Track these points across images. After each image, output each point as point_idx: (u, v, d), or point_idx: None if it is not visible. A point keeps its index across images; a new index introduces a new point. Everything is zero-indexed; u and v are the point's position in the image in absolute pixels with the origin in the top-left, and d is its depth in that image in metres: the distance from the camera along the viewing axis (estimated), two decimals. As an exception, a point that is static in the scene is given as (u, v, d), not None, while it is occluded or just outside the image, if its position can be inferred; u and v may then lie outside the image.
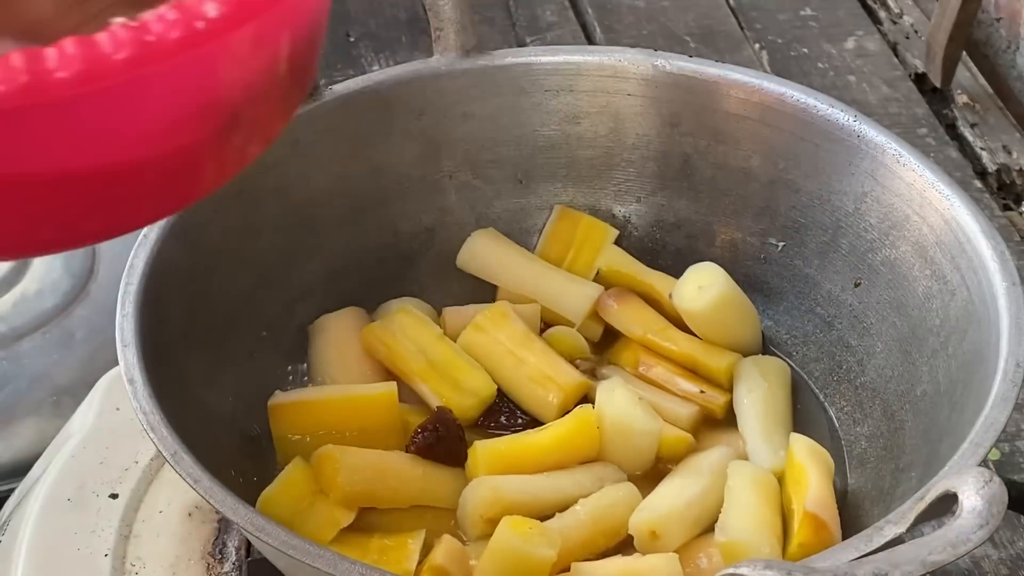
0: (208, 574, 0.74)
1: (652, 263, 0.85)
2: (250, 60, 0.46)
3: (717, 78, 0.81)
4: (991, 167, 1.17)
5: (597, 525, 0.71)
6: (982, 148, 1.18)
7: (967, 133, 1.20)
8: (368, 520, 0.72)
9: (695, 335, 0.81)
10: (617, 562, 0.69)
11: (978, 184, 1.12)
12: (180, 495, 0.76)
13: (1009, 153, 1.17)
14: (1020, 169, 1.16)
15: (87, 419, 0.79)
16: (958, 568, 0.82)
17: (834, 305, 0.80)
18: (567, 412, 0.75)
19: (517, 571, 0.66)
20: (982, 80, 1.26)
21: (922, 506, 0.55)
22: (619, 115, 0.84)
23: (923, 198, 0.74)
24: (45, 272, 0.89)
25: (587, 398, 0.77)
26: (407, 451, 0.74)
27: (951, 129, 1.21)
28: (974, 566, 0.84)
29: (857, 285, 0.79)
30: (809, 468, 0.71)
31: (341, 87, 0.81)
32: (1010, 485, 0.53)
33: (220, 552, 0.75)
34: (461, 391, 0.77)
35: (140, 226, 0.64)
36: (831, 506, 0.70)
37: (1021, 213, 1.12)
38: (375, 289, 0.83)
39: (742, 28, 1.30)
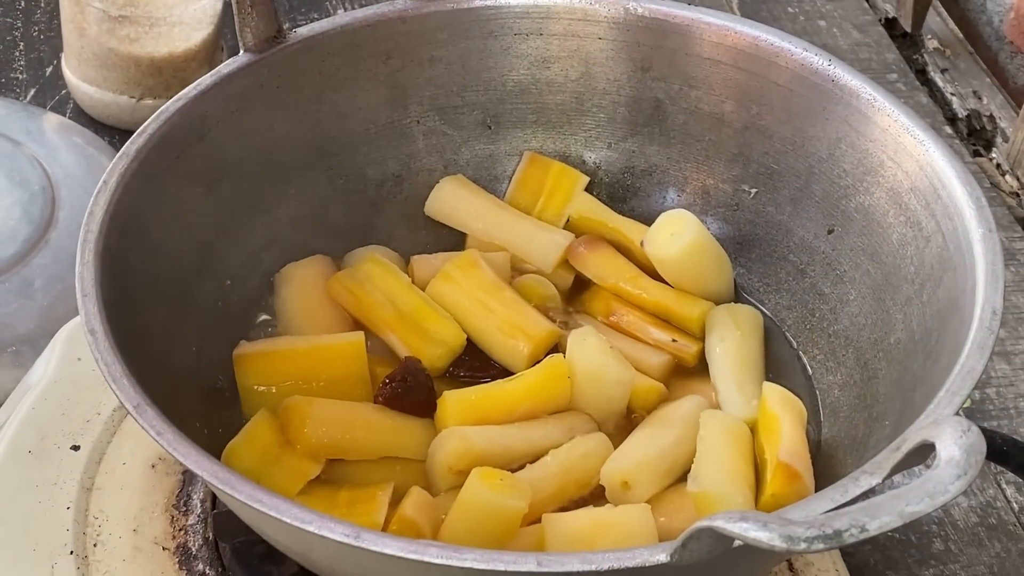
0: (172, 527, 0.73)
1: (623, 210, 0.84)
2: None
3: (689, 21, 0.80)
4: (961, 113, 1.16)
5: (568, 476, 0.70)
6: (952, 94, 1.18)
7: (937, 79, 1.20)
8: (336, 472, 0.71)
9: (667, 283, 0.80)
10: (589, 513, 0.68)
11: (948, 130, 1.12)
12: (143, 447, 0.75)
13: (979, 99, 1.17)
14: (990, 115, 1.15)
15: (47, 370, 0.78)
16: (928, 516, 0.82)
17: (807, 252, 0.80)
18: (538, 362, 0.74)
19: (487, 523, 0.66)
20: (952, 25, 1.25)
21: (898, 456, 0.55)
22: (589, 59, 0.83)
23: (897, 143, 0.73)
24: (3, 219, 0.87)
25: (558, 347, 0.76)
26: (375, 402, 0.73)
27: (921, 74, 1.20)
28: (944, 514, 0.84)
29: (830, 232, 0.78)
30: (782, 417, 0.71)
31: (305, 30, 0.79)
32: (982, 433, 0.52)
33: (184, 504, 0.74)
34: (430, 341, 0.76)
35: None
36: (804, 456, 0.69)
37: (991, 159, 1.12)
38: (342, 237, 0.82)
39: (712, -28, 1.29)
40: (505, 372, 0.76)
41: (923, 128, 0.73)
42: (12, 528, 0.71)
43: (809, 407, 0.74)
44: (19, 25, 1.16)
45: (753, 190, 0.82)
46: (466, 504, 0.66)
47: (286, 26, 0.78)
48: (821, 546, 0.46)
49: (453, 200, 0.84)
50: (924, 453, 0.54)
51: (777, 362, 0.79)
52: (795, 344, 0.80)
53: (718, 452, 0.70)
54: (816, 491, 0.60)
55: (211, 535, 0.73)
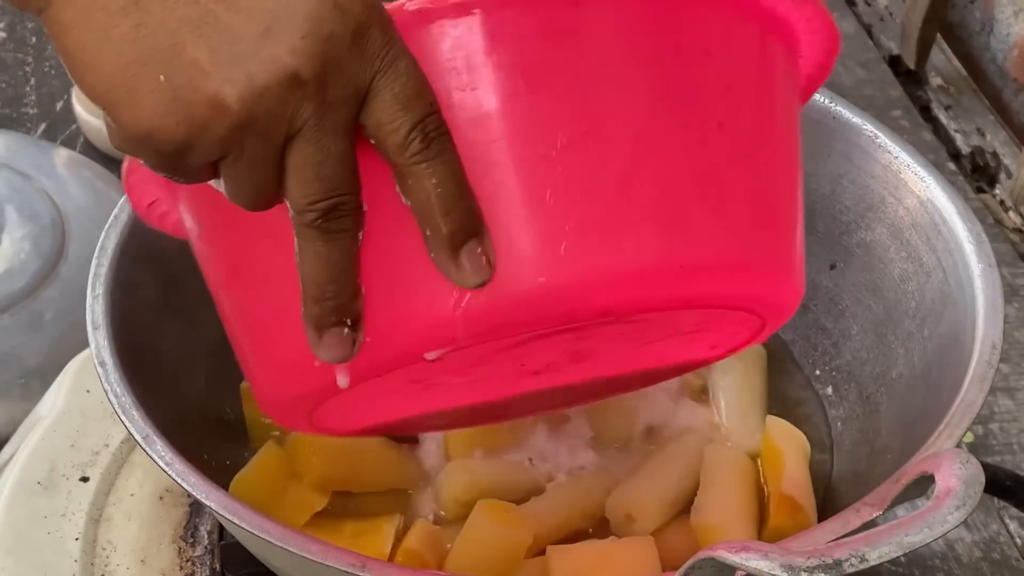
0: (180, 558, 0.73)
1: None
2: None
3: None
4: (965, 149, 1.17)
5: (573, 508, 0.70)
6: (956, 130, 1.18)
7: (941, 115, 1.20)
8: (342, 504, 0.71)
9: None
10: (593, 545, 0.69)
11: (952, 167, 1.12)
12: (151, 478, 0.75)
13: (983, 135, 1.17)
14: (994, 152, 1.16)
15: (57, 401, 0.78)
16: (932, 551, 0.82)
17: (809, 288, 0.79)
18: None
19: (492, 554, 0.66)
20: (956, 63, 1.26)
21: (899, 488, 0.55)
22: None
23: (899, 180, 0.74)
24: (14, 253, 0.88)
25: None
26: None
27: (925, 111, 1.21)
28: (948, 548, 0.84)
29: (832, 268, 0.79)
30: (785, 450, 0.71)
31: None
32: (984, 468, 0.52)
33: (192, 536, 0.74)
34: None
35: None
36: (806, 489, 0.70)
37: (994, 196, 1.13)
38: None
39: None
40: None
41: (924, 164, 0.73)
42: (21, 559, 0.71)
43: (827, 439, 0.74)
44: (30, 60, 1.17)
45: (756, 225, 0.82)
46: (471, 536, 0.67)
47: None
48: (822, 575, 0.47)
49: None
50: (924, 485, 0.55)
51: (795, 396, 0.80)
52: (812, 378, 0.80)
53: (721, 485, 0.70)
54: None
55: (218, 566, 0.73)
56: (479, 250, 0.48)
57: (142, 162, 0.49)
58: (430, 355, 0.50)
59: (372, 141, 0.48)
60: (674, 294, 0.50)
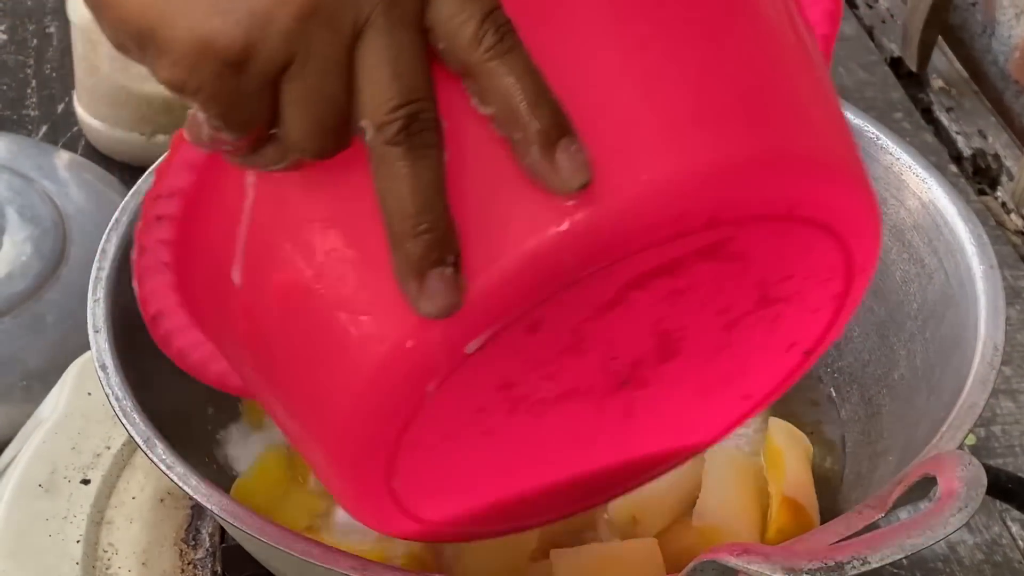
0: (181, 560, 0.73)
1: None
2: None
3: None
4: (966, 152, 1.17)
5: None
6: (957, 132, 1.18)
7: (943, 118, 1.20)
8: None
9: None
10: (597, 548, 0.68)
11: (953, 169, 1.12)
12: (153, 481, 0.75)
13: (984, 138, 1.17)
14: (995, 154, 1.16)
15: (58, 404, 0.78)
16: (934, 553, 0.82)
17: (811, 289, 0.80)
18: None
19: (496, 558, 0.66)
20: (958, 65, 1.26)
21: (901, 490, 0.55)
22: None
23: (900, 181, 0.74)
24: (15, 255, 0.88)
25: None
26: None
27: (927, 114, 1.21)
28: (950, 551, 0.84)
29: (834, 269, 0.79)
30: (786, 453, 0.71)
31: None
32: (986, 470, 0.52)
33: (193, 538, 0.74)
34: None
35: None
36: (808, 491, 0.70)
37: (996, 198, 1.13)
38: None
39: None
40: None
41: (925, 166, 0.73)
42: (23, 562, 0.72)
43: (831, 440, 0.74)
44: (31, 63, 1.17)
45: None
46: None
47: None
48: (823, 578, 0.47)
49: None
50: (926, 487, 0.55)
51: (797, 397, 0.79)
52: (814, 379, 0.80)
53: (724, 487, 0.70)
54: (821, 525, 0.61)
55: (220, 569, 0.73)
56: (574, 147, 0.44)
57: (194, 100, 0.45)
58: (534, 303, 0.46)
59: (440, 45, 0.44)
60: (771, 194, 0.48)
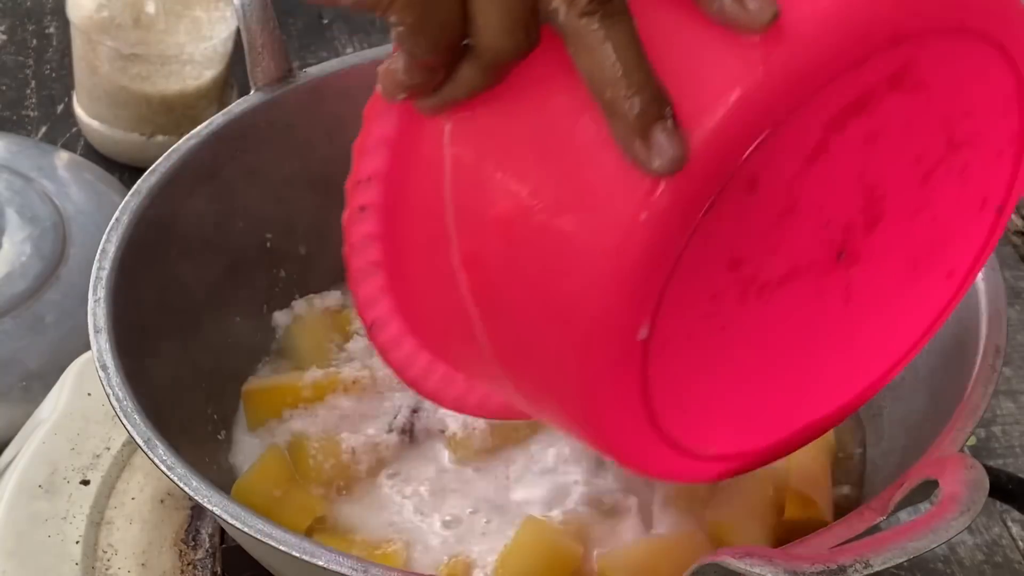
0: (181, 561, 0.73)
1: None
2: None
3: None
4: (966, 152, 1.17)
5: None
6: (957, 133, 1.18)
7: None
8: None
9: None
10: (642, 543, 0.68)
11: (954, 169, 1.12)
12: (152, 481, 0.75)
13: (984, 138, 1.17)
14: (995, 154, 1.16)
15: (58, 405, 0.78)
16: (934, 554, 0.82)
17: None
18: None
19: (545, 565, 0.65)
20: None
21: (902, 493, 0.55)
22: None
23: (902, 183, 0.74)
24: (15, 255, 0.88)
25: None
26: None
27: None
28: (950, 551, 0.84)
29: (835, 270, 0.79)
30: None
31: (316, 69, 0.80)
32: (986, 471, 0.52)
33: (193, 539, 0.74)
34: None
35: None
36: (820, 483, 0.69)
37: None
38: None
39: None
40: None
41: (927, 167, 0.73)
42: (22, 562, 0.71)
43: (838, 443, 0.74)
44: (31, 63, 1.17)
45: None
46: (524, 544, 0.66)
47: (296, 65, 0.79)
48: (825, 581, 0.47)
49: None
50: (928, 490, 0.55)
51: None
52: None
53: (735, 479, 0.70)
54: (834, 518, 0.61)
55: (219, 570, 0.73)
56: None
57: (390, 11, 0.46)
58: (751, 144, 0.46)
59: None
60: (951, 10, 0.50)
